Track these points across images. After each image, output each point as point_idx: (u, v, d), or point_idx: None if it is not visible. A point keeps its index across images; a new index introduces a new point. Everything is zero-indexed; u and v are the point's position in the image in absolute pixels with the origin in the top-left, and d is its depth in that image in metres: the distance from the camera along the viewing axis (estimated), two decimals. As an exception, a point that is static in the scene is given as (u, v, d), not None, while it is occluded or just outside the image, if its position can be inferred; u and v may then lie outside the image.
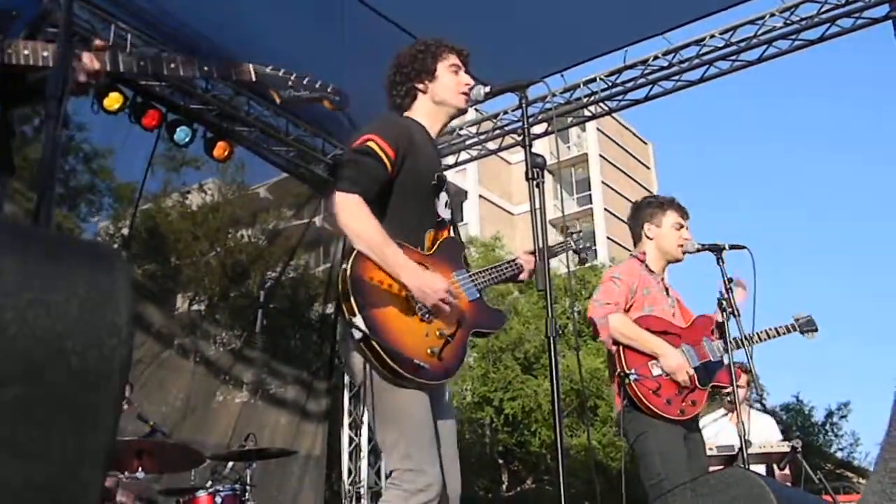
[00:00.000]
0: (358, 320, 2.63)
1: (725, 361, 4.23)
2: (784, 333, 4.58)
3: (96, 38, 2.08)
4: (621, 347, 4.08)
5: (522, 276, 3.25)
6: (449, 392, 3.08)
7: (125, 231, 9.49)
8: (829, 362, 59.87)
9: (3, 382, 0.89)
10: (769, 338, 4.54)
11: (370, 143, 2.85)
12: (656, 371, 4.03)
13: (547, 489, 19.46)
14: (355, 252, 2.74)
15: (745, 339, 4.16)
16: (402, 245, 2.80)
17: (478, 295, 3.01)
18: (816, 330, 4.67)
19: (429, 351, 2.74)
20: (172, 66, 2.18)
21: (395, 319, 2.73)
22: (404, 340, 2.70)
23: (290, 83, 2.39)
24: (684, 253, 4.35)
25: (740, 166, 69.84)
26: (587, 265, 26.10)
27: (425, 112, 3.13)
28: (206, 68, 2.25)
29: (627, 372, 3.98)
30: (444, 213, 3.06)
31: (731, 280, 4.12)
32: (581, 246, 3.71)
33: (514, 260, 3.27)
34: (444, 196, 3.07)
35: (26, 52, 1.92)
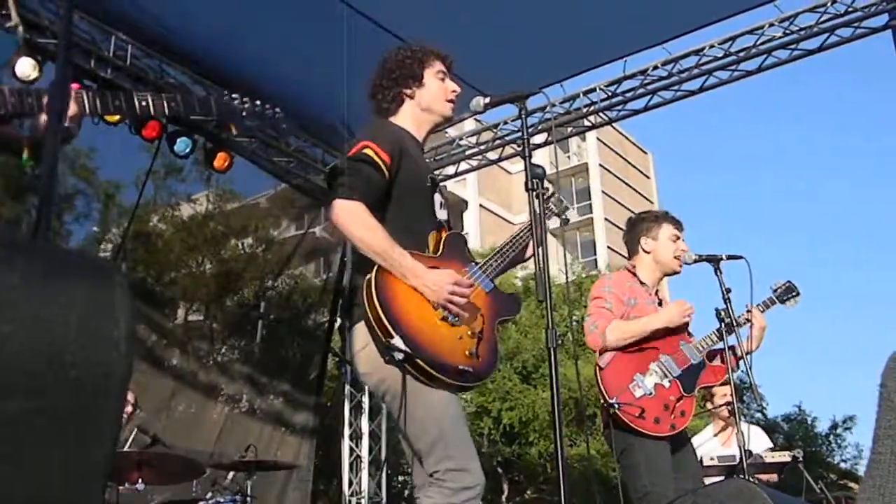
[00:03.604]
0: (397, 341, 2.61)
1: (707, 361, 4.22)
2: (764, 310, 4.41)
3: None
4: (600, 375, 4.05)
5: (529, 252, 3.21)
6: None
7: (113, 235, 9.50)
8: (835, 373, 59.82)
9: (3, 396, 0.89)
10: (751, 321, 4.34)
11: (366, 151, 2.85)
12: (639, 392, 3.99)
13: (547, 499, 19.39)
14: (376, 267, 2.73)
15: (742, 352, 4.14)
16: (411, 252, 2.79)
17: (492, 285, 3.01)
18: (798, 295, 4.50)
19: (467, 353, 2.75)
20: (143, 103, 2.20)
21: (429, 330, 2.73)
22: (443, 350, 2.71)
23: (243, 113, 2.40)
24: (681, 265, 4.33)
25: (740, 175, 69.89)
26: (586, 276, 26.09)
27: (411, 118, 3.13)
28: (172, 105, 2.28)
29: (610, 401, 3.96)
30: (441, 215, 3.06)
31: (728, 290, 4.10)
32: (561, 208, 3.73)
33: (516, 236, 3.20)
34: (438, 198, 3.07)
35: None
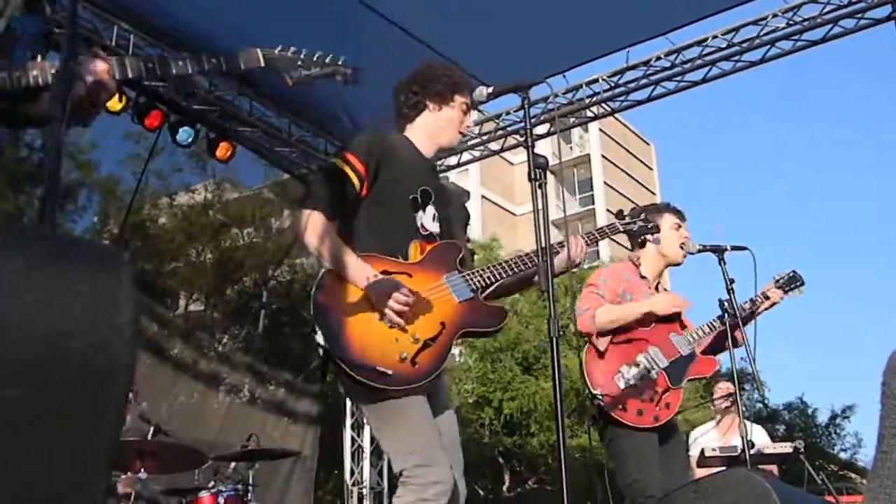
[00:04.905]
0: (318, 337, 2.69)
1: (698, 352, 4.22)
2: (766, 303, 4.36)
3: (97, 48, 2.05)
4: (584, 367, 4.05)
5: (560, 259, 3.08)
6: (443, 385, 3.08)
7: (114, 228, 9.54)
8: (834, 363, 59.84)
9: (6, 384, 0.89)
10: (755, 313, 4.35)
11: (337, 161, 2.96)
12: (622, 384, 3.97)
13: (548, 489, 19.43)
14: (323, 270, 2.81)
15: (745, 341, 4.14)
16: (375, 256, 2.85)
17: (470, 295, 2.96)
18: (802, 284, 4.47)
19: (400, 356, 2.72)
20: (181, 63, 2.16)
21: (362, 329, 2.74)
22: (369, 349, 2.71)
23: (299, 62, 2.36)
24: (685, 255, 4.31)
25: (743, 167, 69.81)
26: (588, 266, 26.04)
27: (423, 132, 3.18)
28: (213, 61, 2.23)
29: (594, 393, 3.96)
30: (432, 227, 3.06)
31: (732, 281, 4.09)
32: (635, 227, 3.68)
33: (519, 260, 3.13)
34: (431, 210, 3.07)
35: (34, 73, 1.90)
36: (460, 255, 3.07)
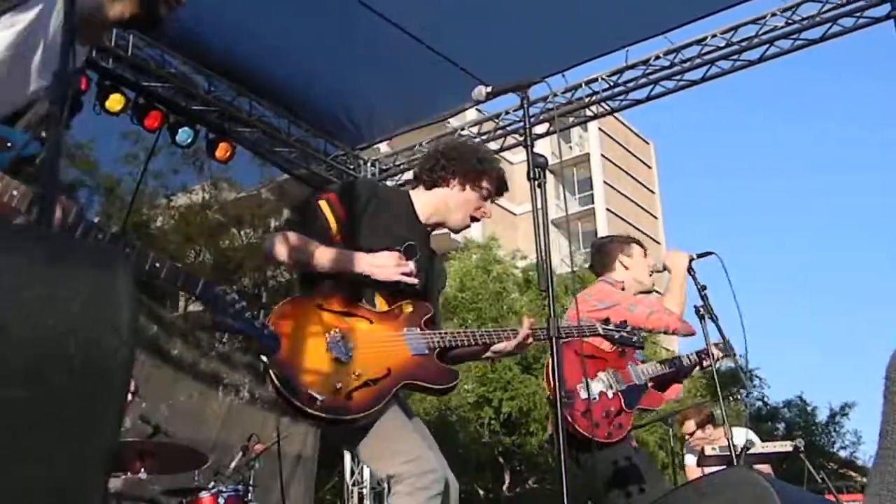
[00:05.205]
0: (264, 356, 2.72)
1: (650, 386, 4.34)
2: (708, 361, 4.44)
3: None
4: (550, 370, 4.11)
5: (498, 347, 3.12)
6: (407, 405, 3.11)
7: (115, 229, 9.52)
8: (837, 362, 59.86)
9: (6, 383, 0.89)
10: (703, 367, 4.55)
11: (320, 201, 2.99)
12: (584, 394, 4.06)
13: (548, 489, 19.44)
14: (281, 303, 2.85)
15: (729, 349, 4.22)
16: (338, 296, 2.88)
17: (426, 351, 2.96)
18: (732, 355, 4.55)
19: (336, 385, 2.73)
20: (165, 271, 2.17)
21: (305, 354, 2.76)
22: (307, 373, 2.73)
23: (231, 310, 2.35)
24: (654, 283, 4.48)
25: (742, 165, 69.82)
26: (589, 265, 26.00)
27: (433, 203, 3.20)
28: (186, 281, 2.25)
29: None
30: (409, 282, 3.03)
31: (704, 287, 4.17)
32: (616, 336, 3.59)
33: (479, 335, 3.13)
34: (412, 266, 3.02)
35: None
36: (428, 316, 3.06)
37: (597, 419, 4.05)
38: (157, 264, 2.07)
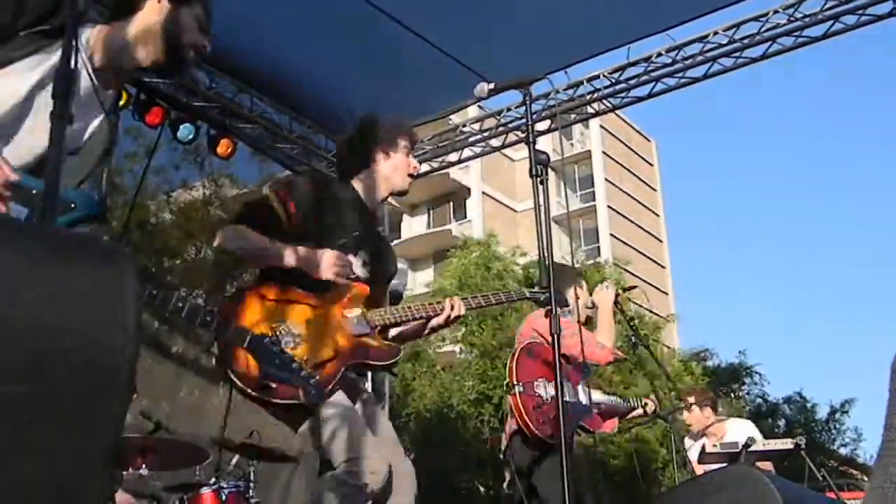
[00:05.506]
0: (214, 348, 2.83)
1: (594, 412, 4.62)
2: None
3: None
4: (515, 361, 4.33)
5: (437, 320, 3.20)
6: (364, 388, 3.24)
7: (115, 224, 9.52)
8: (836, 360, 59.83)
9: (8, 380, 0.89)
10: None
11: (270, 195, 3.09)
12: (539, 391, 4.21)
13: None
14: (250, 283, 3.03)
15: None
16: (285, 285, 2.95)
17: (366, 331, 3.04)
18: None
19: None
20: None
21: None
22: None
23: (277, 360, 2.56)
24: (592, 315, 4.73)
25: (743, 162, 69.74)
26: (592, 262, 26.06)
27: (370, 182, 3.28)
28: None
29: (515, 383, 4.19)
30: (358, 272, 3.14)
31: (632, 319, 4.65)
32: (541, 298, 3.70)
33: (418, 307, 3.23)
34: (362, 255, 3.17)
35: None
36: (368, 297, 3.13)
37: (545, 417, 4.21)
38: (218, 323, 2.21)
